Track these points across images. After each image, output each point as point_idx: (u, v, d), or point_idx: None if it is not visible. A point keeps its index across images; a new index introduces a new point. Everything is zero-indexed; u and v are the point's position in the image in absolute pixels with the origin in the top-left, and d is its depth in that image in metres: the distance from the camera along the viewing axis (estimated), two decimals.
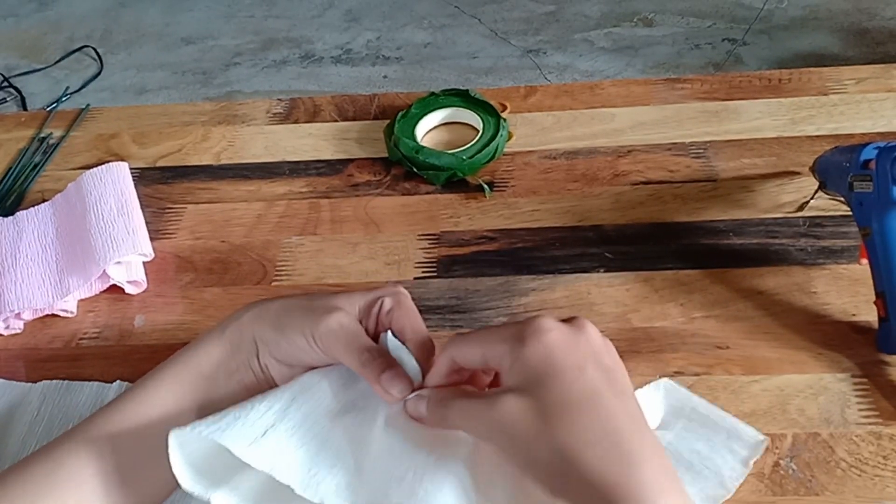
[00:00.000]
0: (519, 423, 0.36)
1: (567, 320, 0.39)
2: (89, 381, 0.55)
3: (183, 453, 0.39)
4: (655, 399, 0.49)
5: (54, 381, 0.55)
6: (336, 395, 0.43)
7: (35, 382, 0.55)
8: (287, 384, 0.43)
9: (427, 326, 0.45)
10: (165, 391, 0.44)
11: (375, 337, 0.44)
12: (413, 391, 0.42)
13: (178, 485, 0.39)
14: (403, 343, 0.43)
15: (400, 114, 0.74)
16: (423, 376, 0.43)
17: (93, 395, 0.54)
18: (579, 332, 0.38)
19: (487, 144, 0.69)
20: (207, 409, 0.42)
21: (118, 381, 0.55)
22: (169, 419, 0.42)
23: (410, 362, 0.43)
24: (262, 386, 0.45)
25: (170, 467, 0.39)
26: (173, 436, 0.39)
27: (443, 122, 0.75)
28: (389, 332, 0.44)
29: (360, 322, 0.44)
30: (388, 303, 0.45)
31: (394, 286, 0.46)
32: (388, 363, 0.42)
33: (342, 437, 0.41)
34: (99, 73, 2.31)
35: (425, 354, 0.43)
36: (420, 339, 0.44)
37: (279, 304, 0.45)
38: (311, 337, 0.42)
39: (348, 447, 0.41)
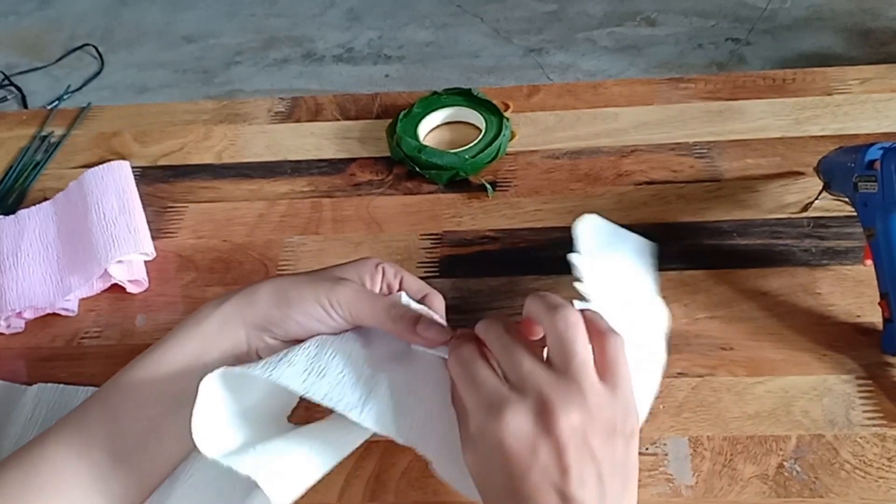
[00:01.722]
0: (474, 475, 0.40)
1: (542, 404, 0.37)
2: (89, 381, 0.55)
3: (213, 400, 0.40)
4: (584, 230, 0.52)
5: (49, 385, 0.55)
6: (358, 344, 0.45)
7: (32, 384, 0.55)
8: (308, 342, 0.44)
9: None
10: (139, 387, 0.43)
11: None
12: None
13: (162, 478, 0.40)
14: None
15: (402, 113, 0.73)
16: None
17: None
18: (546, 430, 0.36)
19: (490, 144, 0.69)
20: (185, 402, 0.42)
21: None
22: (142, 417, 0.42)
23: (436, 316, 0.45)
24: None
25: (153, 463, 0.41)
26: (207, 382, 0.39)
27: (445, 121, 0.75)
28: (404, 294, 0.46)
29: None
30: (389, 269, 0.47)
31: (370, 257, 0.48)
32: (419, 313, 0.44)
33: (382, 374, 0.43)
34: (100, 72, 2.31)
35: (443, 310, 0.48)
36: (433, 295, 0.48)
37: (269, 284, 0.45)
38: (329, 303, 0.43)
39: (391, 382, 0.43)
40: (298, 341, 0.44)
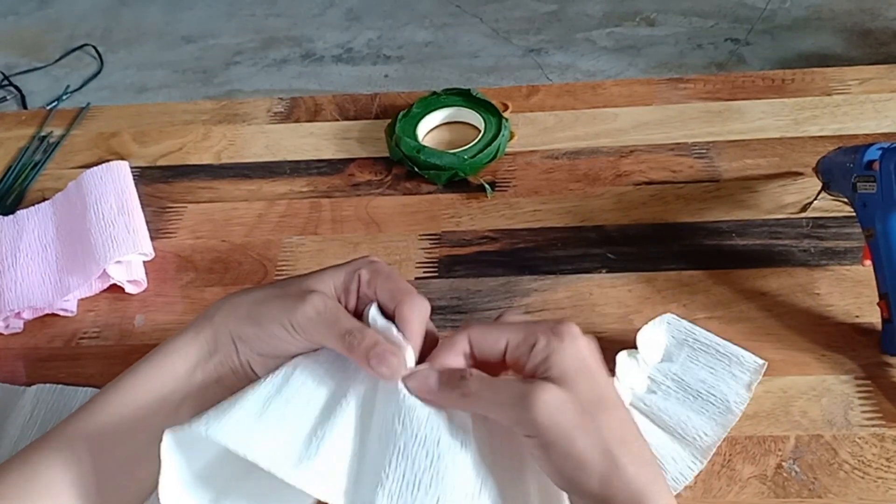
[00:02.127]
0: (560, 414, 0.36)
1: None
2: (88, 381, 0.55)
3: (176, 461, 0.38)
4: (658, 332, 0.53)
5: (48, 385, 0.55)
6: (321, 381, 0.41)
7: (31, 384, 0.55)
8: (271, 376, 0.41)
9: None
10: (138, 395, 0.42)
11: (359, 314, 0.42)
12: (405, 369, 0.39)
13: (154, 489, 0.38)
14: (391, 320, 0.40)
15: (401, 113, 0.73)
16: (421, 344, 0.40)
17: (86, 399, 0.53)
18: (592, 343, 0.40)
19: (489, 144, 0.69)
20: (183, 411, 0.42)
21: None
22: (143, 424, 0.42)
23: (399, 340, 0.40)
24: (243, 382, 0.42)
25: (139, 485, 0.40)
26: (167, 439, 0.37)
27: (444, 121, 0.75)
28: (374, 307, 0.41)
29: (340, 300, 0.42)
30: (365, 274, 0.42)
31: (365, 257, 0.44)
32: (375, 341, 0.39)
33: (336, 422, 0.39)
34: (99, 72, 2.31)
35: (421, 317, 0.41)
36: (409, 302, 0.41)
37: (250, 296, 0.43)
38: (290, 325, 0.40)
39: (345, 433, 0.38)
40: (276, 357, 0.42)
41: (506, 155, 0.71)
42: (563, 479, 0.36)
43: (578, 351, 0.38)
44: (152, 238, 0.65)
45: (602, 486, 0.36)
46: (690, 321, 0.55)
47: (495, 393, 0.37)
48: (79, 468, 0.40)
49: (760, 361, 0.51)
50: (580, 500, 0.37)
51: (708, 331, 0.53)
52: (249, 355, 0.42)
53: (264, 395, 0.39)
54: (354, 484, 0.37)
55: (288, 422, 0.38)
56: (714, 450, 0.47)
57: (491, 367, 0.40)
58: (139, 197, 0.67)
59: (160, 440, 0.39)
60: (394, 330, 0.40)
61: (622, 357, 0.50)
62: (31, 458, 0.41)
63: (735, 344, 0.52)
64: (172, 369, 0.43)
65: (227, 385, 0.43)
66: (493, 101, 0.74)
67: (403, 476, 0.36)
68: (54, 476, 0.40)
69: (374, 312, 0.41)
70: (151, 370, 0.43)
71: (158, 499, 0.41)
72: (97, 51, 2.37)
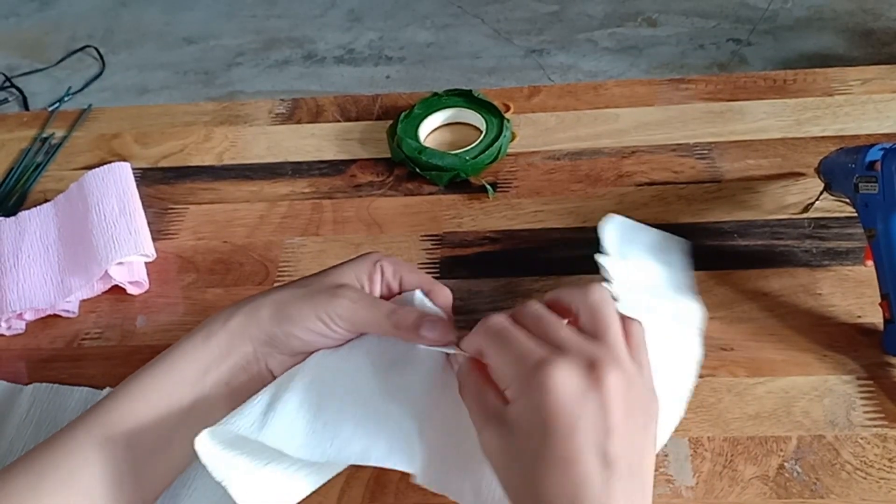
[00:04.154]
0: (495, 455, 0.38)
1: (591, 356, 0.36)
2: (90, 382, 0.55)
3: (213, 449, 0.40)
4: (607, 232, 0.53)
5: (44, 384, 0.55)
6: (358, 370, 0.44)
7: (27, 384, 0.55)
8: (297, 372, 0.43)
9: None
10: (150, 402, 0.43)
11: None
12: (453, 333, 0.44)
13: (164, 488, 0.41)
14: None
15: (403, 114, 0.73)
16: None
17: (83, 399, 0.54)
18: (595, 386, 0.35)
19: (491, 145, 0.69)
20: (192, 416, 0.43)
21: (108, 389, 0.54)
22: (152, 430, 0.42)
23: (443, 314, 0.45)
24: (254, 383, 0.44)
25: (160, 473, 0.41)
26: (199, 442, 0.39)
27: (446, 122, 0.75)
28: (419, 293, 0.46)
29: (365, 290, 0.45)
30: (388, 266, 0.46)
31: (371, 252, 0.48)
32: (419, 313, 0.43)
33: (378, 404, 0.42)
34: (101, 73, 2.31)
35: (449, 304, 0.47)
36: (438, 288, 0.47)
37: (268, 300, 0.44)
38: (329, 318, 0.43)
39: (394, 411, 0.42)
40: (296, 354, 0.44)
41: (507, 156, 0.71)
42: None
43: (542, 406, 0.35)
44: (154, 239, 0.65)
45: None
46: None
47: (479, 401, 0.39)
48: (99, 460, 0.41)
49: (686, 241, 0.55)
50: None
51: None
52: (271, 355, 0.44)
53: (301, 396, 0.41)
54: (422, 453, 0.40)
55: (335, 413, 0.41)
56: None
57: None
58: (141, 198, 0.67)
59: (169, 445, 0.42)
60: (438, 310, 0.45)
61: (602, 259, 0.50)
62: (59, 449, 0.41)
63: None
64: (181, 375, 0.43)
65: (235, 387, 0.44)
66: (495, 102, 0.74)
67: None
68: (78, 467, 0.41)
69: (420, 296, 0.46)
70: (159, 376, 0.44)
71: (166, 498, 0.42)
72: (98, 52, 2.37)
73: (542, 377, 0.35)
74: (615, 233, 0.53)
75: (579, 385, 0.35)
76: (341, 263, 0.47)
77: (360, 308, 0.43)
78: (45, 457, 0.41)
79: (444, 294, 0.47)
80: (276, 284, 0.61)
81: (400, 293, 0.47)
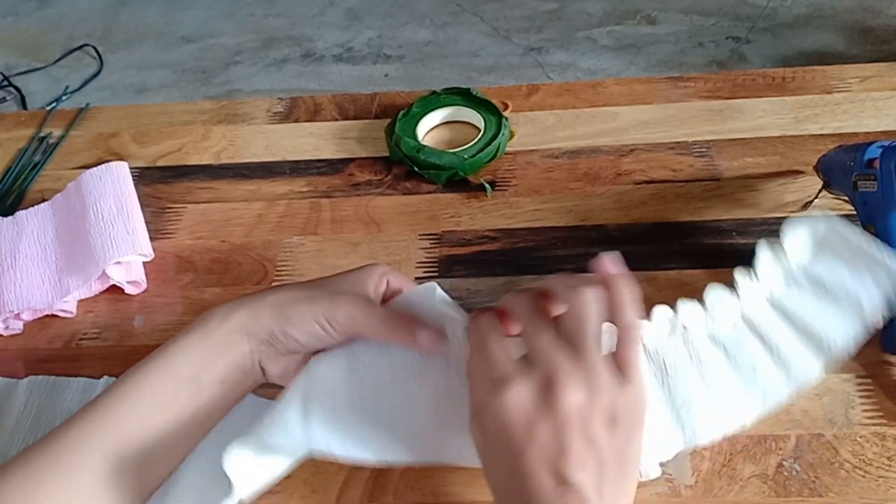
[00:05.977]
0: (478, 449, 0.40)
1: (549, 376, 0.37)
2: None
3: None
4: (807, 232, 0.49)
5: (40, 377, 0.55)
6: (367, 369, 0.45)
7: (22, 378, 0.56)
8: (305, 379, 0.44)
9: None
10: (143, 401, 0.43)
11: None
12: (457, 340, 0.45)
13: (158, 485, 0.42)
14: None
15: (401, 113, 0.73)
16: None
17: (80, 390, 0.54)
18: (548, 408, 0.37)
19: (489, 143, 0.69)
20: (186, 414, 0.43)
21: (105, 377, 0.55)
22: (147, 429, 0.42)
23: (460, 311, 0.46)
24: (248, 381, 0.45)
25: (155, 470, 0.42)
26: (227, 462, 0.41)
27: (444, 120, 0.75)
28: (437, 286, 0.46)
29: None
30: (394, 280, 0.47)
31: (377, 264, 0.48)
32: (415, 322, 0.44)
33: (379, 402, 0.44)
34: (99, 72, 2.31)
35: None
36: None
37: (268, 300, 0.45)
38: (328, 322, 0.43)
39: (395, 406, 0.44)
40: (301, 354, 0.45)
41: (506, 154, 0.71)
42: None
43: (497, 422, 0.37)
44: (152, 239, 0.65)
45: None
46: None
47: (475, 392, 0.40)
48: (96, 459, 0.41)
49: None
50: None
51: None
52: (266, 354, 0.44)
53: (349, 399, 0.43)
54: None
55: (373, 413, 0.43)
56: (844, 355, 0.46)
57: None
58: (139, 197, 0.67)
59: (164, 442, 0.42)
60: (454, 304, 0.47)
61: (763, 248, 0.47)
62: (34, 462, 0.41)
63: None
64: (178, 372, 0.44)
65: (230, 384, 0.44)
66: (493, 101, 0.74)
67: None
68: (72, 467, 0.41)
69: (440, 291, 0.47)
70: (156, 372, 0.44)
71: (160, 497, 0.43)
72: (97, 51, 2.36)
73: (499, 397, 0.37)
74: (808, 239, 0.49)
75: (533, 406, 0.37)
76: (347, 272, 0.47)
77: (359, 313, 0.44)
78: (43, 455, 0.41)
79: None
80: (274, 284, 0.61)
81: None
